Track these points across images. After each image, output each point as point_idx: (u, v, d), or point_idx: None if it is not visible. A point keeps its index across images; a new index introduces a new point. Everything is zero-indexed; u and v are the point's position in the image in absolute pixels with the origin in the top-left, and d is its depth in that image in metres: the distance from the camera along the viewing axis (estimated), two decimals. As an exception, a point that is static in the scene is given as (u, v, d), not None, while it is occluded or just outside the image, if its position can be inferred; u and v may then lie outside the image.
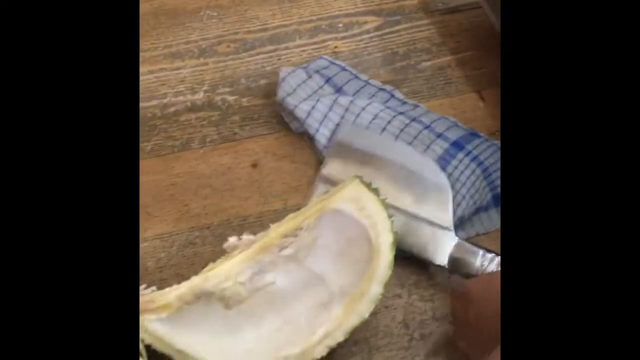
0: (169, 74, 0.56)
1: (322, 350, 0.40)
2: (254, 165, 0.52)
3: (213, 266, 0.40)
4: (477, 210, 0.49)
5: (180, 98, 0.55)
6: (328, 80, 0.54)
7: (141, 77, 0.56)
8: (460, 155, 0.49)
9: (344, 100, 0.53)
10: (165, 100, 0.55)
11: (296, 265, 0.41)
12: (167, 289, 0.40)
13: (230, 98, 0.55)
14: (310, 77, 0.54)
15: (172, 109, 0.54)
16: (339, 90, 0.54)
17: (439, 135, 0.50)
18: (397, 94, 0.54)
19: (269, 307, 0.42)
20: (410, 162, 0.48)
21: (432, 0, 0.60)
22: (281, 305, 0.42)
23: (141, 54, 0.57)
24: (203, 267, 0.43)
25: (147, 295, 0.40)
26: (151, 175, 0.51)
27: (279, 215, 0.46)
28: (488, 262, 0.44)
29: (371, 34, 0.59)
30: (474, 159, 0.49)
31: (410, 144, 0.50)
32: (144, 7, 0.60)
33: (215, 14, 0.60)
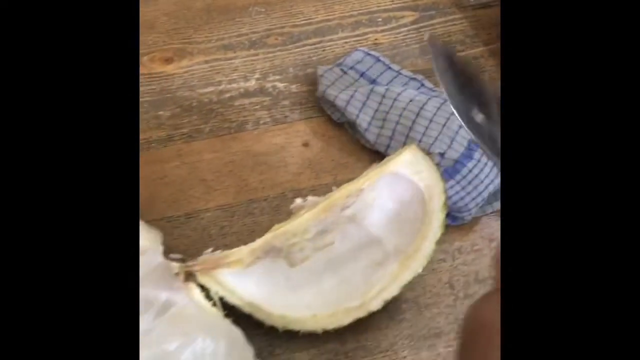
0: (222, 64, 0.61)
1: (378, 304, 0.44)
2: (305, 145, 0.56)
3: (281, 225, 0.44)
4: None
5: (234, 85, 0.60)
6: (362, 75, 0.59)
7: (196, 67, 0.61)
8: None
9: (380, 88, 0.57)
10: (220, 87, 0.59)
11: (355, 226, 0.45)
12: (239, 247, 0.44)
13: (280, 85, 0.60)
14: (345, 73, 0.59)
15: (227, 95, 0.59)
16: (373, 82, 0.58)
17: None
18: (427, 82, 0.58)
19: (327, 266, 0.46)
20: None
21: (463, -3, 0.65)
22: (339, 265, 0.46)
23: (195, 46, 0.62)
24: (262, 235, 0.47)
25: (222, 253, 0.44)
26: (211, 153, 0.55)
27: (329, 189, 0.50)
28: None
29: (408, 27, 0.63)
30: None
31: (444, 125, 0.54)
32: (197, 4, 0.65)
33: (262, 9, 0.65)
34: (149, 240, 0.41)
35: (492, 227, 0.52)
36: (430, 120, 0.54)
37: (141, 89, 0.59)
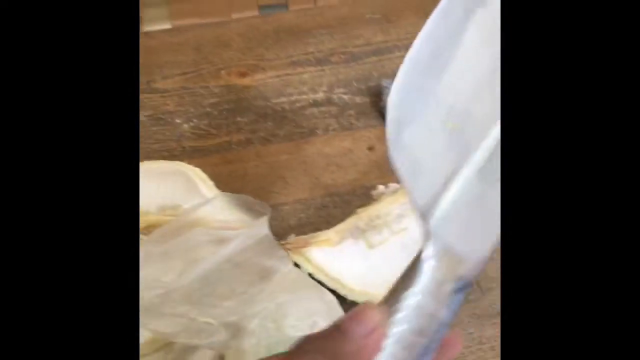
0: (292, 78, 0.68)
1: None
2: (370, 149, 0.62)
3: (364, 209, 0.50)
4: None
5: (304, 96, 0.66)
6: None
7: (269, 80, 0.67)
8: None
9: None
10: (292, 98, 0.66)
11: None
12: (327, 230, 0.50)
13: (345, 96, 0.66)
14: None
15: (298, 105, 0.65)
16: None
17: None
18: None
19: (401, 250, 0.51)
20: None
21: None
22: (412, 248, 0.51)
23: (267, 63, 0.69)
24: (336, 225, 0.53)
25: (309, 234, 0.50)
26: (286, 155, 0.61)
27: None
28: None
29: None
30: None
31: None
32: (266, 27, 0.72)
33: (325, 32, 0.72)
34: (258, 213, 0.47)
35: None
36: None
37: (220, 98, 0.66)
